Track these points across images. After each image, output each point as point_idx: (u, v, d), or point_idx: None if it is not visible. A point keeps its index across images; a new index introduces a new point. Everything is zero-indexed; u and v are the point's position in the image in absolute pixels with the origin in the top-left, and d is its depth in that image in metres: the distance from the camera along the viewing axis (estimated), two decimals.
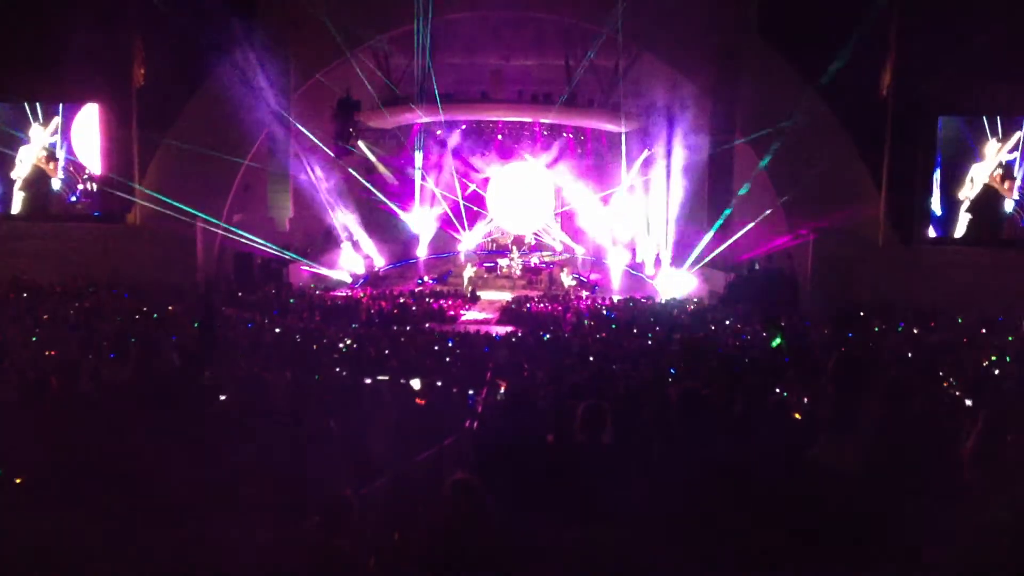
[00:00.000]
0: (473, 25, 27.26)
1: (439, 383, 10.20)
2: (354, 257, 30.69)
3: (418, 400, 8.43)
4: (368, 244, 31.46)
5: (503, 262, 33.12)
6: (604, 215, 31.52)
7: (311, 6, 23.58)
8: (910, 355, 14.38)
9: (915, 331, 18.95)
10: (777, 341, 17.09)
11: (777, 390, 9.30)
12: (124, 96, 24.51)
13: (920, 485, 4.24)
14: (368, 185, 31.22)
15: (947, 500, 4.18)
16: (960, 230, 24.33)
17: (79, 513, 4.27)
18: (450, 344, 16.80)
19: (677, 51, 25.33)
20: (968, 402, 7.34)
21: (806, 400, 6.98)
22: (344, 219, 30.04)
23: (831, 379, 4.91)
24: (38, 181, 25.88)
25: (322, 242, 31.11)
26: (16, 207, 25.87)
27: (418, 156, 32.19)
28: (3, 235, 24.81)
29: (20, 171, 25.78)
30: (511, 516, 4.38)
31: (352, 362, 13.62)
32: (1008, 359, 13.31)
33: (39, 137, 25.67)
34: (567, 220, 33.65)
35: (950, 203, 24.31)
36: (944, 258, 23.73)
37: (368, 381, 9.50)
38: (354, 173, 30.28)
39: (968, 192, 24.27)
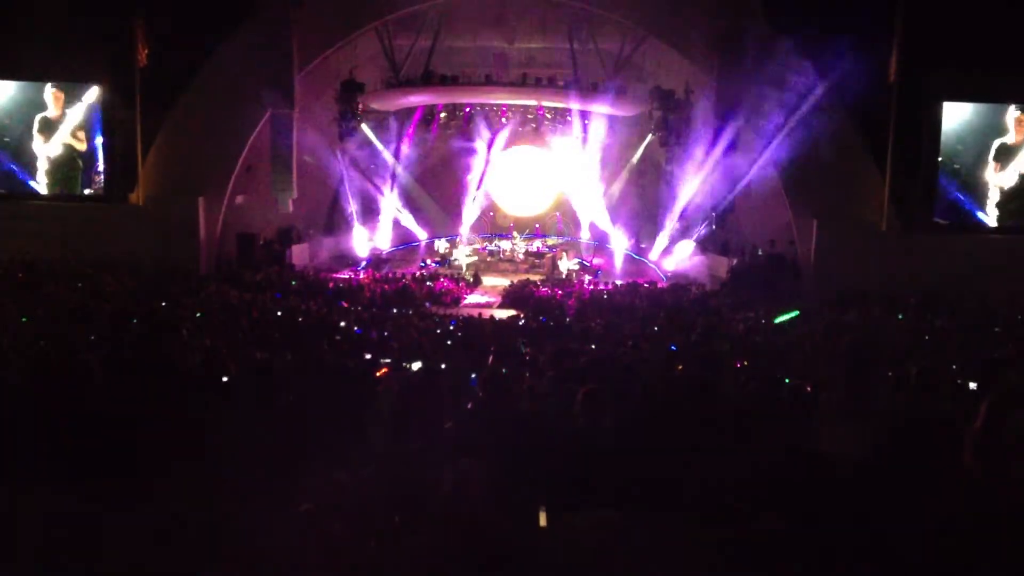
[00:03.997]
0: (477, 7, 27.15)
1: (442, 365, 10.17)
2: (359, 239, 30.69)
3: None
4: (372, 226, 31.52)
5: (505, 246, 33.10)
6: (607, 199, 31.49)
7: None
8: (914, 342, 14.35)
9: (919, 317, 18.91)
10: (787, 316, 17.11)
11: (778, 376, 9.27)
12: (126, 76, 24.41)
13: (926, 473, 4.22)
14: (370, 167, 31.26)
15: (952, 488, 4.16)
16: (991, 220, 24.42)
17: (75, 493, 4.25)
18: (452, 327, 16.78)
19: (681, 35, 25.20)
20: (972, 385, 7.29)
21: (808, 388, 6.95)
22: (348, 201, 30.04)
23: (841, 367, 4.88)
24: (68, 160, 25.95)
25: (326, 224, 31.11)
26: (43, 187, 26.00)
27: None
28: (4, 214, 24.74)
29: (48, 149, 25.80)
30: (515, 499, 4.36)
31: (354, 344, 13.58)
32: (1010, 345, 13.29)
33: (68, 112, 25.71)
34: (570, 204, 33.55)
35: (959, 188, 24.33)
36: (948, 244, 23.66)
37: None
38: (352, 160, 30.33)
39: (997, 177, 24.23)
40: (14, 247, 22.64)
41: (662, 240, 29.63)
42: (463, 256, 31.43)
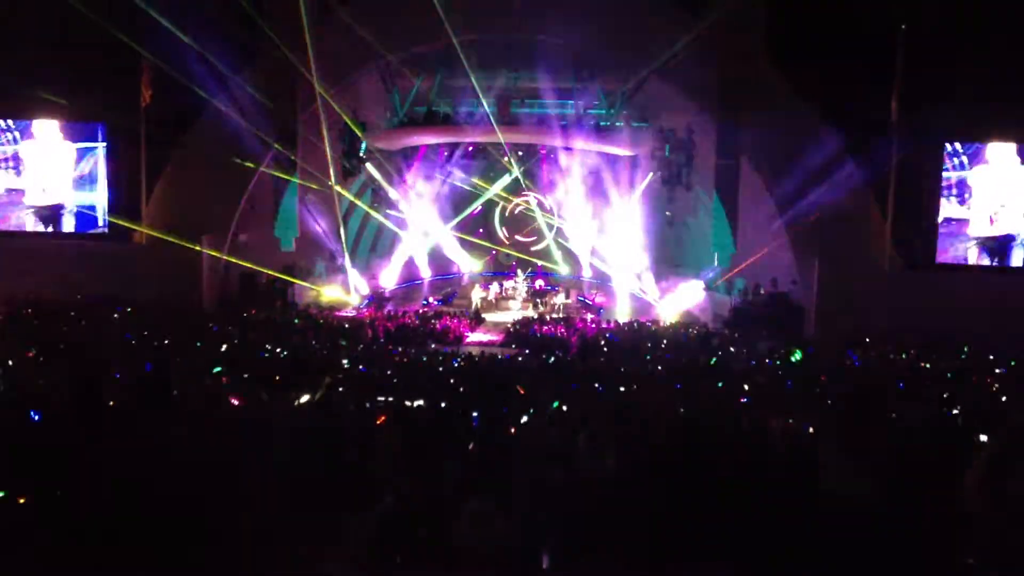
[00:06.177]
0: (482, 48, 27.33)
1: (443, 404, 10.13)
2: (359, 278, 30.72)
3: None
4: (374, 264, 31.66)
5: (508, 284, 33.18)
6: (609, 237, 31.54)
7: (318, 27, 23.76)
8: (917, 383, 14.29)
9: (921, 358, 18.84)
10: (797, 356, 17.09)
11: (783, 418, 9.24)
12: (131, 115, 24.60)
13: (929, 515, 4.21)
14: (374, 205, 31.41)
15: (953, 530, 4.15)
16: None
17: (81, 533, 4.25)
18: (455, 365, 16.72)
19: (684, 75, 25.34)
20: (982, 436, 7.28)
21: (811, 429, 6.93)
22: (349, 239, 30.11)
23: (843, 410, 4.88)
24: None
25: (329, 262, 31.16)
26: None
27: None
28: (8, 252, 24.83)
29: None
30: (517, 542, 4.35)
31: (357, 383, 13.54)
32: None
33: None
34: (573, 243, 33.62)
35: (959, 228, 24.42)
36: (950, 283, 23.66)
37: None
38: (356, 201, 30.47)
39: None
40: (19, 285, 22.68)
41: (667, 279, 29.66)
42: (473, 294, 31.71)
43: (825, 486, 4.58)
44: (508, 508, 4.54)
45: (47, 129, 25.97)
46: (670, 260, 30.63)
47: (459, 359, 17.67)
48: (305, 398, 8.39)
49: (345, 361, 16.16)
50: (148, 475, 4.91)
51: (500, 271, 34.56)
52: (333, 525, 4.60)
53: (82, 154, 25.99)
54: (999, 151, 24.23)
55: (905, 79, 22.79)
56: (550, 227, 33.87)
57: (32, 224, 26.20)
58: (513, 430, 7.40)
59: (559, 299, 32.04)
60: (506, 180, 32.98)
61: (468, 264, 34.18)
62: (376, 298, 30.99)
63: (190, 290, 24.79)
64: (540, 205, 33.85)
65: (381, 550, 4.67)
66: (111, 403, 6.64)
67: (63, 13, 20.86)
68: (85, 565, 4.19)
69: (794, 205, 23.64)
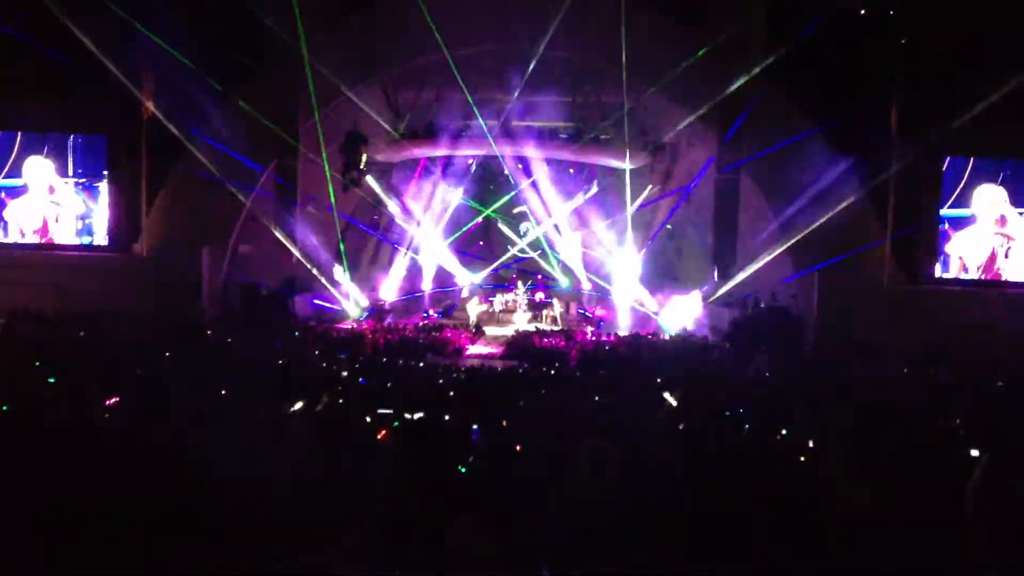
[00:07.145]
0: (480, 61, 27.39)
1: (445, 417, 10.14)
2: (358, 291, 30.71)
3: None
4: (374, 277, 31.65)
5: (508, 296, 33.19)
6: (607, 250, 31.59)
7: (319, 41, 23.83)
8: (917, 398, 14.30)
9: (921, 372, 18.83)
10: None
11: (784, 431, 9.23)
12: (132, 127, 24.63)
13: (930, 526, 4.22)
14: (374, 218, 31.44)
15: (954, 543, 4.17)
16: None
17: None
18: (454, 377, 16.70)
19: (683, 88, 25.37)
20: (975, 452, 7.28)
21: (811, 444, 6.93)
22: (347, 252, 30.11)
23: (844, 423, 4.91)
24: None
25: (329, 274, 31.17)
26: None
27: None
28: (6, 263, 24.78)
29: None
30: (515, 556, 4.35)
31: (356, 395, 13.53)
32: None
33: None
34: (567, 255, 33.66)
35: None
36: (951, 298, 23.65)
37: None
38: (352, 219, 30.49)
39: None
40: (16, 297, 22.64)
41: (666, 292, 29.66)
42: (470, 307, 31.69)
43: (826, 498, 4.59)
44: (506, 517, 4.55)
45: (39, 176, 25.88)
46: (669, 273, 30.63)
47: (458, 371, 17.68)
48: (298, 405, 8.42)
49: (344, 372, 16.17)
50: (148, 477, 4.92)
51: (500, 283, 34.56)
52: (333, 527, 4.61)
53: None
54: (984, 211, 24.24)
55: (905, 93, 22.83)
56: (548, 240, 33.86)
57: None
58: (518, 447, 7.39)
59: (558, 311, 32.06)
60: (506, 195, 33.02)
61: (467, 277, 34.18)
62: (376, 310, 30.99)
63: (191, 302, 24.71)
64: (537, 219, 33.87)
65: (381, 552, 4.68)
66: (108, 414, 6.66)
67: (64, 23, 20.96)
68: (86, 565, 4.19)
69: (794, 218, 23.64)
